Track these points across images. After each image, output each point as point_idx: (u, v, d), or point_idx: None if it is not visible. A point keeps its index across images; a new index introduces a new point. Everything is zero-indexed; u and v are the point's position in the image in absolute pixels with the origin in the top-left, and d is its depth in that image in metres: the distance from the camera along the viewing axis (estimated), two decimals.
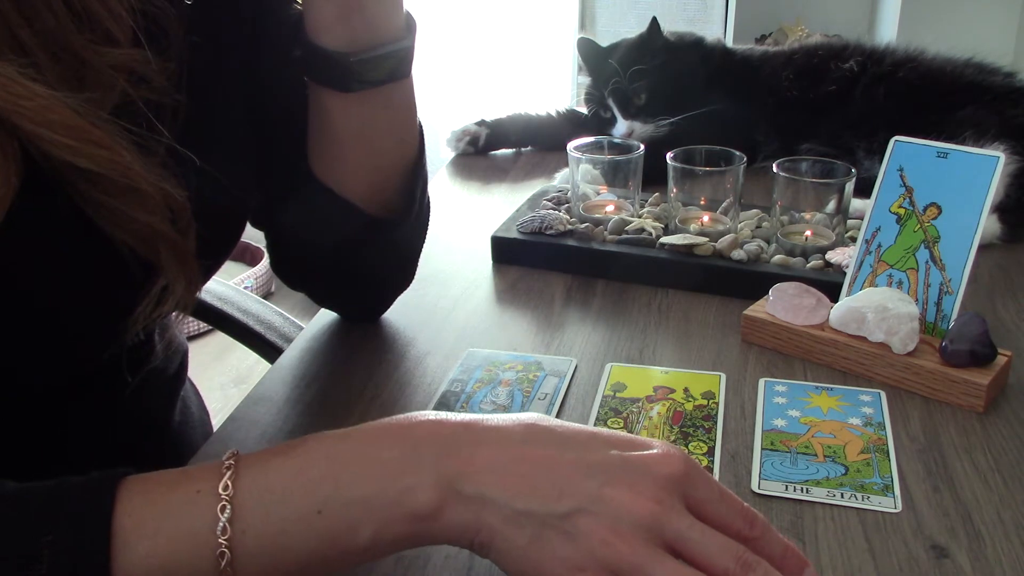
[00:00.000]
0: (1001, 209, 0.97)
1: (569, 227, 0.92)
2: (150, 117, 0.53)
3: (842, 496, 0.58)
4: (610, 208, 0.96)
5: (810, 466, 0.61)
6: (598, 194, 0.97)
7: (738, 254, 0.86)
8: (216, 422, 0.83)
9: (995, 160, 0.71)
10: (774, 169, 0.86)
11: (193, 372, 0.84)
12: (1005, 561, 0.53)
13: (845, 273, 0.77)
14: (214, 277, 0.76)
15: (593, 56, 1.28)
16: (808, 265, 0.84)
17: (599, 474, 0.43)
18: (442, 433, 0.45)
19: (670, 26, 1.26)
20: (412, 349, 0.77)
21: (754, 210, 0.95)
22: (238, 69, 0.65)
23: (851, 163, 0.88)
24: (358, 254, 0.72)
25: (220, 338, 1.03)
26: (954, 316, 0.70)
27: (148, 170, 0.51)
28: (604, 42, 1.29)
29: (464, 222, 1.07)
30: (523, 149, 1.32)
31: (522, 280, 0.90)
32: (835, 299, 0.75)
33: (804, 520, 0.56)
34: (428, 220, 0.78)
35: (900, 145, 0.75)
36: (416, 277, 0.81)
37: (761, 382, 0.71)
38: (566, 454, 0.44)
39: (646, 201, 0.99)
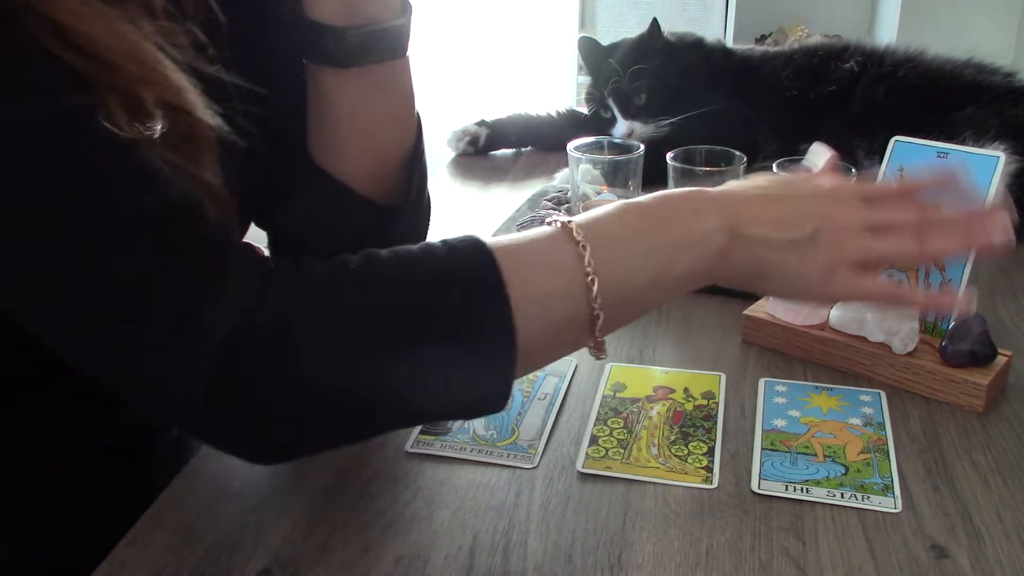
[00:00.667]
0: None
1: None
2: (214, 67, 0.55)
3: (842, 496, 0.58)
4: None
5: (810, 466, 0.61)
6: (598, 194, 0.97)
7: None
8: None
9: (995, 160, 0.71)
10: (774, 169, 0.86)
11: None
12: (1005, 561, 0.53)
13: None
14: None
15: (593, 56, 1.28)
16: None
17: (817, 204, 0.58)
18: (711, 197, 0.58)
19: (670, 26, 1.26)
20: None
21: None
22: (249, 53, 0.65)
23: (851, 163, 0.88)
24: (359, 246, 0.72)
25: None
26: (954, 316, 0.70)
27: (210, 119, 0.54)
28: (604, 42, 1.29)
29: (464, 222, 1.07)
30: (523, 149, 1.32)
31: None
32: None
33: (804, 520, 0.56)
34: (429, 218, 0.78)
35: (900, 145, 0.75)
36: None
37: (761, 382, 0.71)
38: (793, 195, 0.59)
39: None
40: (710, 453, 0.63)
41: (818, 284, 0.58)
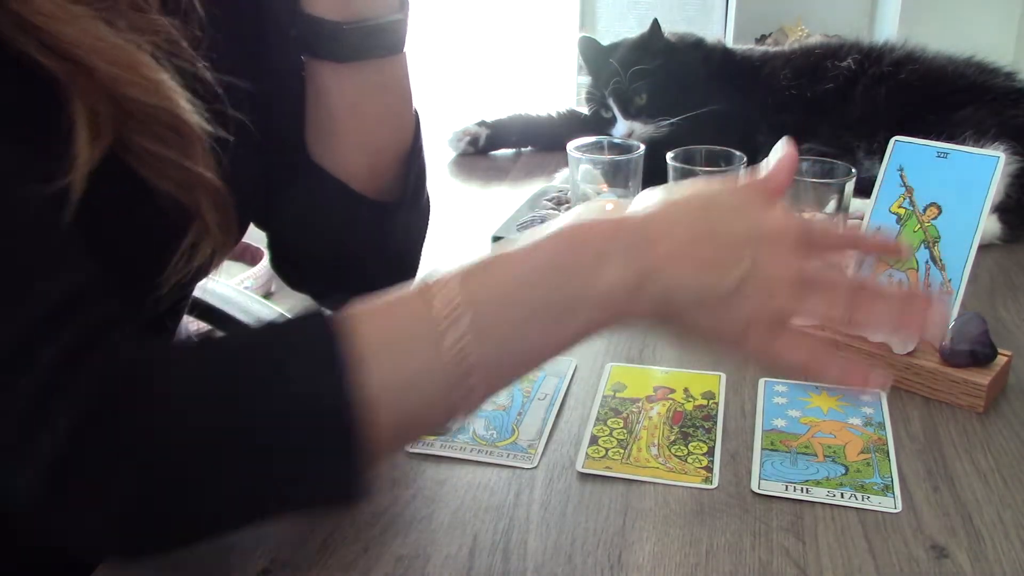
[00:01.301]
0: (1001, 209, 0.97)
1: None
2: (195, 61, 0.54)
3: (842, 496, 0.58)
4: (610, 208, 0.96)
5: (810, 466, 0.61)
6: (598, 194, 0.97)
7: None
8: None
9: (995, 160, 0.71)
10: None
11: None
12: (1005, 561, 0.53)
13: None
14: (214, 277, 0.76)
15: (594, 56, 1.28)
16: None
17: (750, 246, 0.51)
18: (625, 235, 0.51)
19: (670, 26, 1.26)
20: None
21: None
22: (247, 48, 0.66)
23: (851, 163, 0.88)
24: (357, 243, 0.72)
25: None
26: (954, 316, 0.70)
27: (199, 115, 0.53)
28: (604, 42, 1.29)
29: (464, 222, 1.07)
30: (523, 149, 1.32)
31: None
32: None
33: (804, 520, 0.56)
34: (428, 216, 0.78)
35: (900, 145, 0.75)
36: (416, 277, 0.81)
37: (761, 382, 0.71)
38: (725, 232, 0.51)
39: None
40: (710, 453, 0.63)
41: (731, 338, 0.52)
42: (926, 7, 2.08)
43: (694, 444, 0.64)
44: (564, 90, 2.35)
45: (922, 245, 0.72)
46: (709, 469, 0.61)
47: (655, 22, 1.23)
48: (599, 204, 0.62)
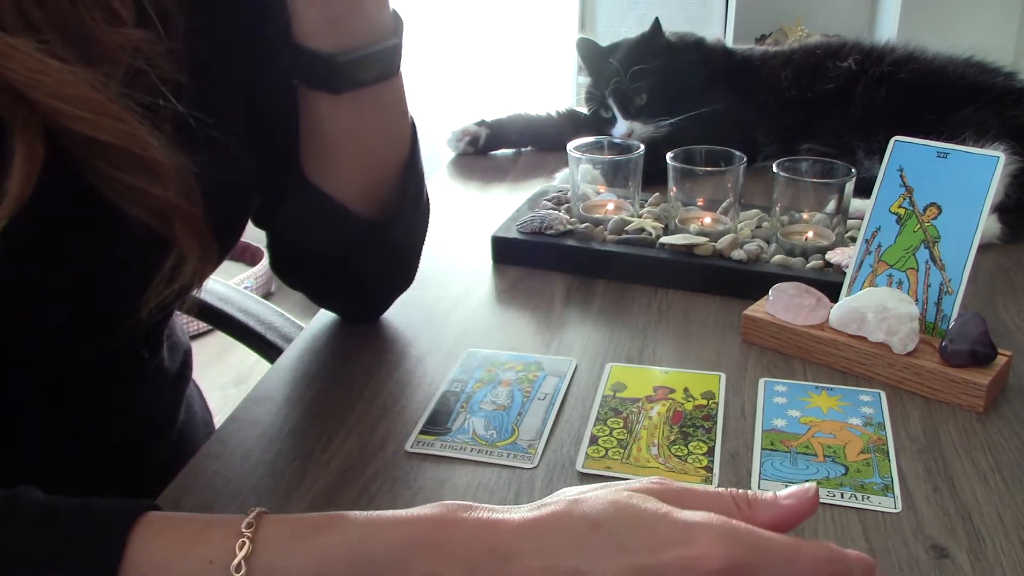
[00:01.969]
0: (1001, 209, 0.97)
1: (569, 227, 0.92)
2: (163, 91, 0.53)
3: (842, 496, 0.58)
4: (610, 208, 0.96)
5: (810, 466, 0.61)
6: (598, 194, 0.97)
7: (738, 254, 0.86)
8: (217, 422, 0.83)
9: (995, 160, 0.71)
10: (774, 169, 0.86)
11: (194, 372, 0.84)
12: (1005, 561, 0.53)
13: (845, 273, 0.77)
14: (214, 277, 0.76)
15: (593, 56, 1.28)
16: (808, 265, 0.84)
17: None
18: (475, 553, 0.40)
19: (670, 26, 1.26)
20: (412, 349, 0.77)
21: (754, 210, 0.95)
22: (238, 61, 0.65)
23: (851, 163, 0.88)
24: (355, 256, 0.72)
25: (220, 338, 1.03)
26: (954, 316, 0.70)
27: (161, 143, 0.52)
28: (604, 42, 1.29)
29: (464, 222, 1.07)
30: (523, 149, 1.32)
31: (522, 280, 0.90)
32: (835, 299, 0.75)
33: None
34: (428, 220, 0.78)
35: (900, 145, 0.75)
36: (416, 277, 0.81)
37: (761, 382, 0.71)
38: (600, 567, 0.38)
39: (646, 201, 0.99)
40: (710, 453, 0.63)
41: None
42: (926, 7, 2.07)
43: (694, 444, 0.64)
44: (564, 90, 2.35)
45: (922, 245, 0.73)
46: (709, 469, 0.61)
47: (656, 22, 1.23)
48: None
